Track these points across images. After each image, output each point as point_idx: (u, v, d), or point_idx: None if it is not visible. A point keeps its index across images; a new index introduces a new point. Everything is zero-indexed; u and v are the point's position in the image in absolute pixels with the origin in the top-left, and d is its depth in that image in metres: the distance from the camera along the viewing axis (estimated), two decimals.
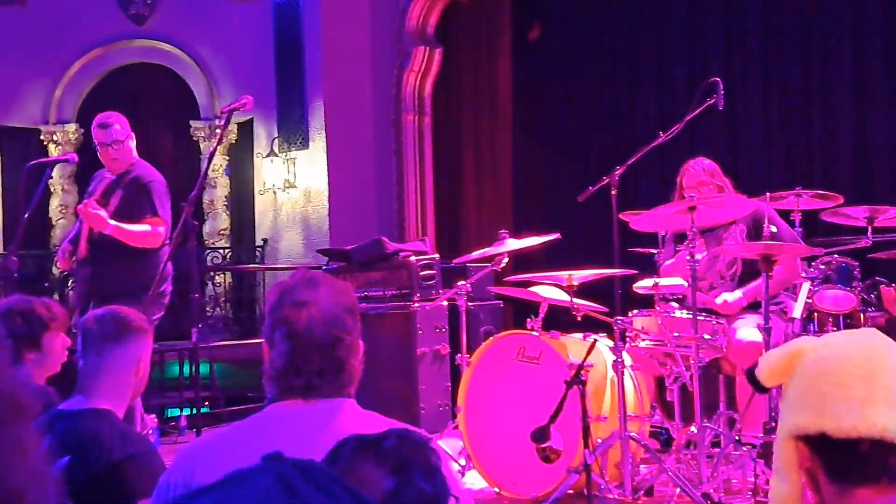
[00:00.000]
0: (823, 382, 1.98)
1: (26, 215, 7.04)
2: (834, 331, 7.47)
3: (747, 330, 6.39)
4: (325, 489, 1.18)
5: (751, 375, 2.18)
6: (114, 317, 3.79)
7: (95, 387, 3.66)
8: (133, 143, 7.29)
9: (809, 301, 7.08)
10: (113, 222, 6.86)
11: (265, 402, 2.93)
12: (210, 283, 13.31)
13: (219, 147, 12.99)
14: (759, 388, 2.17)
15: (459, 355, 7.08)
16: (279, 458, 1.22)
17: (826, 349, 2.04)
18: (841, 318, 7.45)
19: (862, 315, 7.48)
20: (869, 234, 7.58)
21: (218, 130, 13.68)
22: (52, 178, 12.70)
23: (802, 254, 6.67)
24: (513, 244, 6.99)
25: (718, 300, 6.68)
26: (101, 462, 3.36)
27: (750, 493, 5.89)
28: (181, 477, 2.78)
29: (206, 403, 9.89)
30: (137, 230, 6.95)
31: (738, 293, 6.71)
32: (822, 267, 7.48)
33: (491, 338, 6.82)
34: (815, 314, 7.45)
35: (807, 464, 2.01)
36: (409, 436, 2.07)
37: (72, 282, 7.27)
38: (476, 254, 7.41)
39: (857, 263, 7.55)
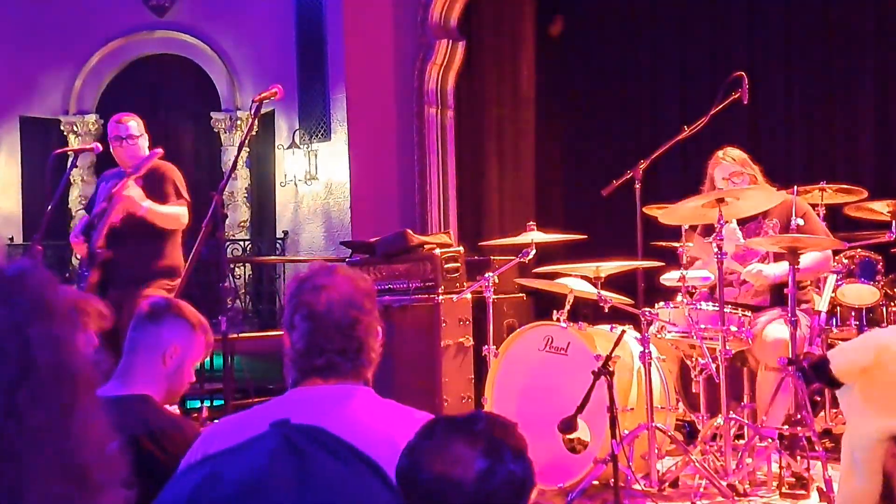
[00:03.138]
0: None
1: (50, 206, 7.05)
2: (856, 325, 7.49)
3: (774, 326, 6.37)
4: (332, 451, 1.22)
5: (820, 369, 2.17)
6: (167, 300, 3.85)
7: (127, 368, 3.67)
8: (145, 144, 7.33)
9: (833, 295, 7.10)
10: (147, 203, 6.90)
11: (288, 388, 2.97)
12: (230, 275, 13.33)
13: (240, 139, 13.06)
14: (830, 383, 2.17)
15: (486, 347, 7.09)
16: (286, 423, 1.26)
17: None
18: (864, 311, 7.48)
19: (885, 309, 7.50)
20: (893, 228, 7.59)
21: (239, 122, 13.81)
22: (77, 167, 12.73)
23: (828, 247, 6.66)
24: (539, 236, 7.02)
25: (750, 268, 6.60)
26: (154, 447, 3.36)
27: (775, 484, 5.92)
28: (197, 459, 2.81)
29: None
30: (168, 211, 7.01)
31: (773, 270, 6.60)
32: (846, 261, 7.51)
33: (518, 329, 6.85)
34: (838, 308, 7.48)
35: (890, 462, 2.03)
36: (499, 419, 2.12)
37: (84, 270, 7.25)
38: (502, 241, 7.44)
39: (880, 258, 7.58)
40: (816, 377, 2.22)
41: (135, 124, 7.32)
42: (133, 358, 3.69)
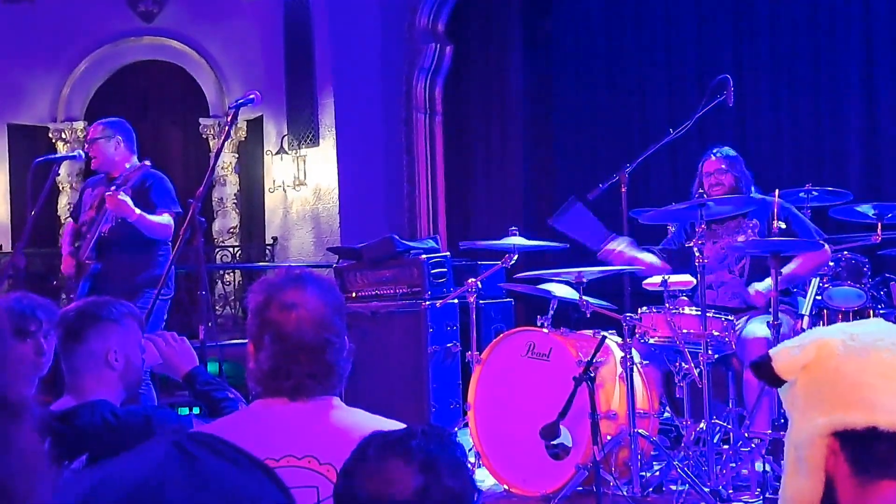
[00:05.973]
0: (870, 376, 1.96)
1: (33, 213, 7.06)
2: None
3: (755, 325, 6.38)
4: (220, 453, 1.24)
5: (762, 367, 2.13)
6: (75, 314, 3.68)
7: (76, 385, 3.60)
8: (118, 147, 7.30)
9: (819, 298, 7.08)
10: (138, 211, 6.88)
11: (251, 399, 2.92)
12: (220, 282, 13.33)
13: (228, 144, 13.04)
14: (772, 381, 2.13)
15: (470, 353, 7.07)
16: (178, 431, 1.31)
17: (855, 341, 2.02)
18: (851, 314, 7.46)
19: (871, 312, 7.48)
20: (878, 230, 7.57)
21: (226, 127, 13.79)
22: (59, 175, 12.70)
23: (810, 250, 6.63)
24: (520, 241, 7.00)
25: (751, 290, 6.65)
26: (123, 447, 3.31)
27: (758, 488, 5.89)
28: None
29: None
30: (157, 220, 7.00)
31: (768, 282, 6.60)
32: (832, 264, 7.48)
33: (501, 335, 6.82)
34: (825, 311, 7.46)
35: (831, 460, 2.00)
36: (433, 432, 2.09)
37: (74, 283, 7.26)
38: (484, 243, 7.43)
39: (866, 260, 7.56)
40: (759, 375, 2.16)
41: (101, 128, 7.34)
42: (78, 377, 3.61)
